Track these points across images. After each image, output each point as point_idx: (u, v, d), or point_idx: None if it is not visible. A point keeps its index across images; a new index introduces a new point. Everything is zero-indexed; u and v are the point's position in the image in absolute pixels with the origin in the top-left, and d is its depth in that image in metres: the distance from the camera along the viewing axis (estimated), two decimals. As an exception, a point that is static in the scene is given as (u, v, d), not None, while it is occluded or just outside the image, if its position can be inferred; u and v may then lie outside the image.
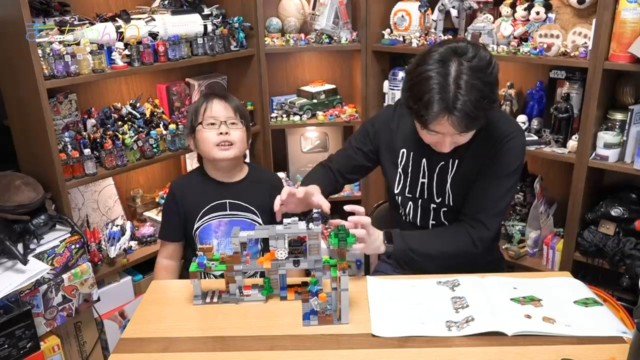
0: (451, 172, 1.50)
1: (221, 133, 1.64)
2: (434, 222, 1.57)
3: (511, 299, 1.29)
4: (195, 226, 1.69)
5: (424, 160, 1.53)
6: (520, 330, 1.18)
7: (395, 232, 1.46)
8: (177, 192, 1.72)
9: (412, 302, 1.31)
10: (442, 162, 1.51)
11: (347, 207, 1.40)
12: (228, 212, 1.69)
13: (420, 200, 1.57)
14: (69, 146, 2.04)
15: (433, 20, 2.53)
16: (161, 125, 2.37)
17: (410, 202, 1.59)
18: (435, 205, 1.56)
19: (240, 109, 1.72)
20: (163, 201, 1.86)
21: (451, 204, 1.53)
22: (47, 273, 1.78)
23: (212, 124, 1.65)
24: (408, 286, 1.38)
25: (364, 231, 1.39)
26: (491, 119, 1.47)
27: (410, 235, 1.48)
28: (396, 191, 1.61)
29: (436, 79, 1.25)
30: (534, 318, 1.22)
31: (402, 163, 1.57)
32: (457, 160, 1.49)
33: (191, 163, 2.73)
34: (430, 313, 1.26)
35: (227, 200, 1.69)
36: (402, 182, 1.59)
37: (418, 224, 1.60)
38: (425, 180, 1.54)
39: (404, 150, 1.57)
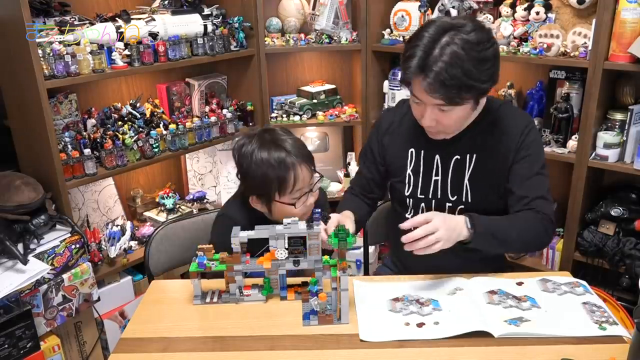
0: (469, 167, 1.48)
1: (310, 204, 1.48)
2: None
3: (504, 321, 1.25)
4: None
5: (437, 156, 1.50)
6: (506, 332, 1.17)
7: (475, 216, 1.37)
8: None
9: (398, 305, 1.30)
10: (458, 157, 1.48)
11: (404, 225, 1.32)
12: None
13: (433, 201, 1.53)
14: (69, 146, 2.04)
15: (433, 20, 2.53)
16: (161, 125, 2.37)
17: (422, 204, 1.55)
18: (450, 204, 1.52)
19: (311, 155, 1.50)
20: (220, 236, 1.48)
21: (469, 200, 1.49)
22: (47, 273, 1.78)
23: (298, 197, 1.45)
24: (393, 287, 1.37)
25: (431, 225, 1.28)
26: (506, 113, 1.47)
27: (489, 220, 1.40)
28: (407, 193, 1.55)
29: (426, 40, 1.28)
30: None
31: (412, 164, 1.54)
32: (475, 155, 1.47)
33: (191, 163, 2.73)
34: (413, 313, 1.26)
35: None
36: (412, 183, 1.54)
37: None
38: (439, 178, 1.51)
39: (412, 150, 1.53)
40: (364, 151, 1.68)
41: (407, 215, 1.60)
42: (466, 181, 1.49)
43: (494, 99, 1.51)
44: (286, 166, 1.40)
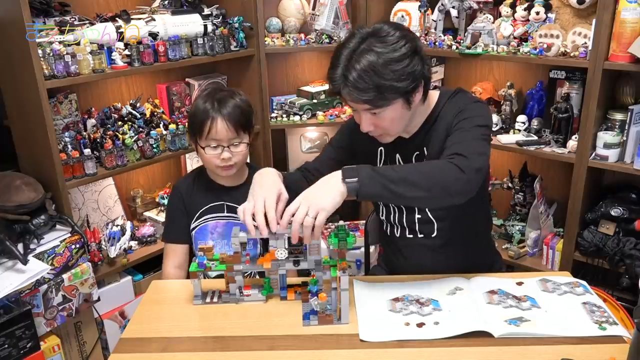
0: (427, 158, 1.46)
1: (223, 158, 1.61)
2: (419, 217, 1.51)
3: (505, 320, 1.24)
4: (192, 226, 1.69)
5: (397, 155, 1.51)
6: (506, 332, 1.17)
7: (357, 167, 1.24)
8: (183, 192, 1.72)
9: (398, 305, 1.30)
10: (417, 152, 1.48)
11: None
12: (225, 214, 1.69)
13: None
14: (69, 146, 2.05)
15: (433, 20, 2.53)
16: (161, 125, 2.37)
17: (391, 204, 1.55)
18: None
19: (241, 120, 1.63)
20: (167, 202, 1.85)
21: None
22: (47, 273, 1.78)
23: (214, 146, 1.61)
24: (393, 287, 1.37)
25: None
26: (454, 99, 1.46)
27: (380, 167, 1.34)
28: None
29: (347, 51, 1.31)
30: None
31: (381, 163, 1.54)
32: (430, 147, 1.46)
33: (191, 163, 2.73)
34: (414, 313, 1.26)
35: (225, 203, 1.69)
36: None
37: (404, 224, 1.54)
38: None
39: (382, 148, 1.54)
40: (339, 133, 1.63)
41: (381, 217, 1.61)
42: None
43: (447, 91, 1.49)
44: (207, 115, 1.60)
